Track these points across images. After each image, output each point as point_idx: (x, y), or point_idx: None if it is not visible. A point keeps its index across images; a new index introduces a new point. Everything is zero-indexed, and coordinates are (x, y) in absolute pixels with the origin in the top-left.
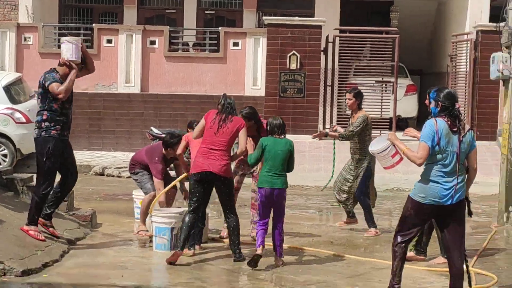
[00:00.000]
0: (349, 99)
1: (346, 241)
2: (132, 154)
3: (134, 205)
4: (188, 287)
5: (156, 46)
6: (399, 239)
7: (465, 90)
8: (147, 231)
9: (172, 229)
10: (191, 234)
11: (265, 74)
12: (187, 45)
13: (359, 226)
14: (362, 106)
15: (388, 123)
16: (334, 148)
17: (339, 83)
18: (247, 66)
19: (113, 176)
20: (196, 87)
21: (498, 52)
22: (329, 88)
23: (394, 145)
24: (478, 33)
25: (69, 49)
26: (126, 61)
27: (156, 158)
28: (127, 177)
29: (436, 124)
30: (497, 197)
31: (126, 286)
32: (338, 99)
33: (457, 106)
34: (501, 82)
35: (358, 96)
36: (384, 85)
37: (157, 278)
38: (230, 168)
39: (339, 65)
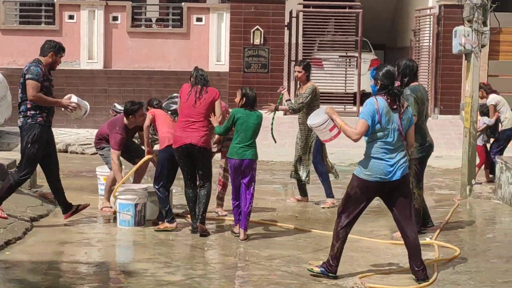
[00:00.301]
0: (298, 71)
1: (310, 215)
2: (95, 131)
3: (98, 181)
4: (151, 263)
5: (118, 22)
6: (343, 220)
7: (428, 65)
8: (111, 207)
9: (135, 205)
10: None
11: (229, 50)
12: (150, 20)
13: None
14: (311, 78)
15: (352, 98)
16: (273, 118)
17: (303, 58)
18: (210, 41)
19: (76, 153)
20: (160, 63)
21: (460, 26)
22: (293, 63)
23: (332, 119)
24: (441, 7)
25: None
26: (88, 37)
27: (117, 128)
28: (91, 154)
29: (377, 103)
30: (460, 171)
31: (90, 263)
32: None
33: (396, 84)
34: (463, 56)
35: (307, 68)
36: (348, 60)
37: (121, 254)
38: (209, 139)
39: (303, 40)
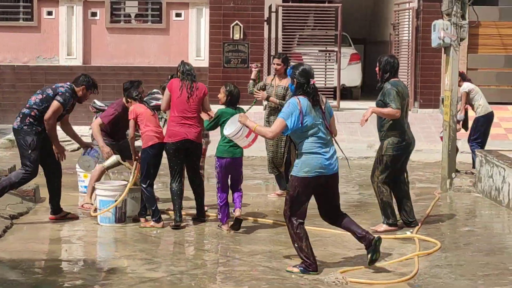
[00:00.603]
0: (277, 64)
1: None
2: (75, 127)
3: (78, 178)
4: (132, 260)
5: (97, 17)
6: (294, 221)
7: (408, 59)
8: (92, 204)
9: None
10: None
11: (209, 45)
12: (129, 16)
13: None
14: None
15: (332, 92)
16: (252, 105)
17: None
18: (190, 37)
19: None
20: (139, 58)
21: (439, 19)
22: (272, 58)
23: (246, 126)
24: (419, 1)
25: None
26: (67, 33)
27: (115, 104)
28: (71, 151)
29: (300, 104)
30: (440, 164)
31: (71, 260)
32: None
33: (311, 82)
34: (442, 49)
35: (286, 61)
36: (327, 55)
37: (102, 251)
38: (201, 133)
39: (282, 35)
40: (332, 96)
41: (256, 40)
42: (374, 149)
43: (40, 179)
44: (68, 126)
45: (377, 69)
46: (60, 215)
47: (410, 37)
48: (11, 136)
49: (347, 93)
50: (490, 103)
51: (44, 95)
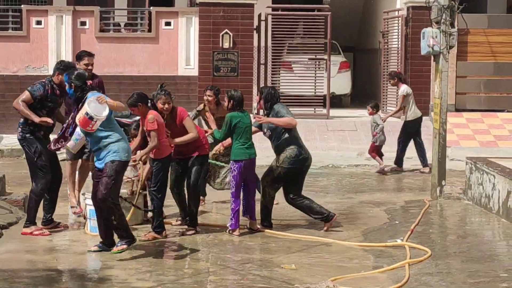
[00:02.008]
0: (209, 95)
1: (283, 218)
2: None
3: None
4: (122, 269)
5: (86, 27)
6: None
7: (397, 66)
8: (76, 207)
9: None
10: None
11: (198, 54)
12: (119, 25)
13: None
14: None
15: (322, 101)
16: None
17: (272, 61)
18: (179, 45)
19: None
20: (129, 67)
21: (428, 27)
22: (262, 67)
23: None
24: (409, 9)
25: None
26: (56, 42)
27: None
28: (61, 160)
29: None
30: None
31: (61, 270)
32: (272, 77)
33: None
34: (432, 57)
35: (218, 93)
36: (317, 63)
37: (92, 261)
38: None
39: (272, 43)
40: (322, 104)
41: (246, 48)
42: (364, 157)
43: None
44: (59, 117)
45: (257, 98)
46: (52, 224)
47: (400, 45)
48: (1, 145)
49: (336, 101)
50: (479, 110)
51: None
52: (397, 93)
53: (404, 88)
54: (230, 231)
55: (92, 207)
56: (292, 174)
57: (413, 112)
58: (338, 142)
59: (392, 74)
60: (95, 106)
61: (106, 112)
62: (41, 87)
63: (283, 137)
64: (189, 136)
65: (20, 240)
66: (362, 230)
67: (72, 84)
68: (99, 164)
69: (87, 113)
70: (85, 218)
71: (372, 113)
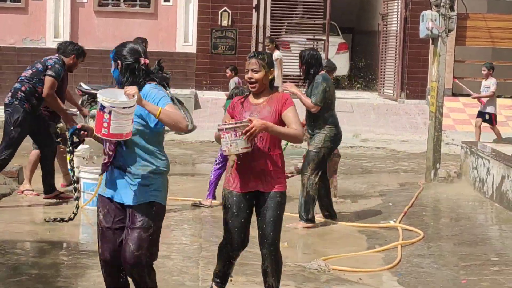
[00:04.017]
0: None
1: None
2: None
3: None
4: None
5: (85, 0)
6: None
7: (396, 49)
8: (32, 190)
9: None
10: None
11: (197, 31)
12: (118, 0)
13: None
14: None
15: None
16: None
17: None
18: (178, 22)
19: None
20: None
21: (428, 10)
22: (260, 45)
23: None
24: None
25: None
26: (54, 15)
27: None
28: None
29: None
30: (425, 155)
31: (54, 242)
32: None
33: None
34: (430, 40)
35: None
36: (315, 43)
37: (85, 234)
38: None
39: (270, 23)
40: None
41: (244, 27)
42: (359, 139)
43: (24, 160)
44: (68, 95)
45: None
46: (55, 193)
47: (398, 28)
48: None
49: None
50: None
51: (34, 70)
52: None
53: (278, 54)
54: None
55: (87, 180)
56: (332, 152)
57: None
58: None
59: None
60: (110, 92)
61: (124, 98)
62: (61, 68)
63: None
64: None
65: (14, 212)
66: (355, 211)
67: (121, 62)
68: (122, 198)
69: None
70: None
71: (231, 76)
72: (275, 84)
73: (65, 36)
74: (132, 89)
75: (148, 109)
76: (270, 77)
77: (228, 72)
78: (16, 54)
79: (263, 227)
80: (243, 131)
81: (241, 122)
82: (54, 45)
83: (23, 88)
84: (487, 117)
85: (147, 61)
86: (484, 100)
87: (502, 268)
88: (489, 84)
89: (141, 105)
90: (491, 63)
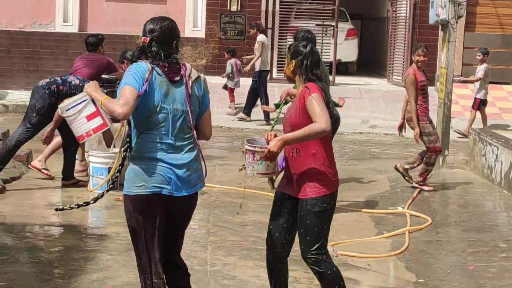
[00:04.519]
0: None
1: None
2: None
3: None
4: (123, 227)
5: None
6: (146, 266)
7: (405, 35)
8: (48, 171)
9: (109, 169)
10: None
11: (206, 16)
12: None
13: None
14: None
15: (328, 67)
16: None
17: (279, 26)
18: (187, 7)
19: None
20: (136, 27)
21: None
22: (269, 31)
23: (93, 101)
24: None
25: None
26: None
27: None
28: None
29: (142, 68)
30: None
31: (62, 226)
32: (278, 42)
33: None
34: (439, 27)
35: None
36: (324, 29)
37: (93, 217)
38: None
39: (280, 8)
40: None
41: (253, 12)
42: (368, 125)
43: (34, 144)
44: None
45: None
46: (73, 181)
47: (408, 14)
48: (5, 101)
49: (342, 68)
50: None
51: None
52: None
53: (260, 37)
54: None
55: (96, 165)
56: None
57: (264, 63)
58: (342, 109)
59: None
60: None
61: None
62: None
63: None
64: None
65: (23, 195)
66: (363, 196)
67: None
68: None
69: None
70: (88, 175)
71: (228, 58)
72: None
73: (74, 20)
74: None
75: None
76: (291, 69)
77: (226, 55)
78: (25, 38)
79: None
80: (261, 157)
81: (260, 147)
82: (63, 30)
83: (61, 88)
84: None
85: (145, 39)
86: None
87: (510, 255)
88: (479, 70)
89: (95, 99)
90: (486, 49)
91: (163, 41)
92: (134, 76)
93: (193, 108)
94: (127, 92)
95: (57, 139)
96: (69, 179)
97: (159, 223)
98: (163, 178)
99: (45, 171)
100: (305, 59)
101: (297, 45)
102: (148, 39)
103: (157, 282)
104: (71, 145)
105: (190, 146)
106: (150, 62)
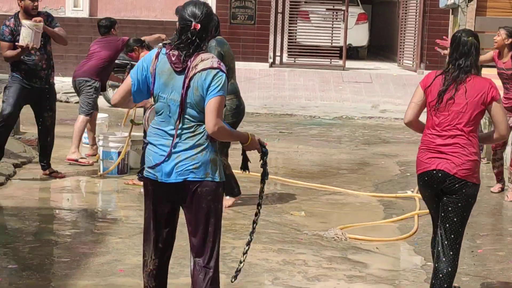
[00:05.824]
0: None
1: (294, 167)
2: None
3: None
4: (133, 210)
5: None
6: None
7: (416, 19)
8: (85, 158)
9: (119, 153)
10: None
11: (216, 0)
12: None
13: (313, 157)
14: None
15: (338, 52)
16: None
17: (290, 11)
18: None
19: (61, 101)
20: (146, 12)
21: None
22: (280, 15)
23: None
24: None
25: (28, 34)
26: None
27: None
28: (75, 103)
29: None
30: None
31: (72, 209)
32: (289, 26)
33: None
34: (450, 11)
35: None
36: (335, 13)
37: (104, 201)
38: None
39: None
40: (338, 55)
41: None
42: (378, 109)
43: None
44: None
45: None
46: (50, 172)
47: None
48: None
49: (353, 53)
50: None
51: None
52: None
53: None
54: None
55: (106, 149)
56: (236, 127)
57: None
58: (352, 94)
59: None
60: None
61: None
62: (4, 27)
63: None
64: None
65: (33, 179)
66: (373, 181)
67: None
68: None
69: None
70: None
71: None
72: None
73: (84, 5)
74: None
75: None
76: None
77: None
78: None
79: None
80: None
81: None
82: (73, 15)
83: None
84: None
85: (196, 25)
86: None
87: None
88: None
89: None
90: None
91: (206, 27)
92: (139, 66)
93: (190, 99)
94: (124, 83)
95: (78, 125)
96: (46, 168)
97: (154, 209)
98: (152, 164)
99: (83, 160)
100: None
101: None
102: (199, 25)
103: (145, 259)
104: (44, 136)
105: (190, 135)
106: (176, 48)
